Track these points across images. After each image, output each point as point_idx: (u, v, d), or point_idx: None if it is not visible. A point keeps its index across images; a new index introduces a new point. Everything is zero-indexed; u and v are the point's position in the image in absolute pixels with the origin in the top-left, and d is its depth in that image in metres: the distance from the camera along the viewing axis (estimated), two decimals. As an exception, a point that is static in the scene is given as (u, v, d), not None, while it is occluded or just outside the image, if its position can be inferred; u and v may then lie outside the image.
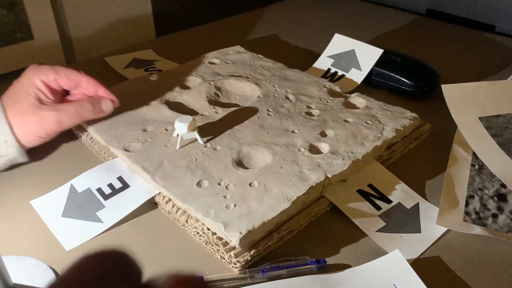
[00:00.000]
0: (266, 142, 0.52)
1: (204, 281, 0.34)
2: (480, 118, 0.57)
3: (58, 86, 0.53)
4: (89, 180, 0.49)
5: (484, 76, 0.73)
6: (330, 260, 0.42)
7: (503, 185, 0.49)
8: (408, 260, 0.41)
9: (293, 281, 0.39)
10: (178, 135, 0.52)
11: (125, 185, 0.48)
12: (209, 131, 0.54)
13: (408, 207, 0.47)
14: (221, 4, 1.06)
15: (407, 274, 0.39)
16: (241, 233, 0.40)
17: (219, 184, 0.45)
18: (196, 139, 0.52)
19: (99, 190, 0.48)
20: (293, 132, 0.54)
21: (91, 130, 0.55)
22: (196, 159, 0.49)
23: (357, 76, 0.69)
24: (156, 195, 0.47)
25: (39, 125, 0.50)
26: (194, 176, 0.47)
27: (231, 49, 0.76)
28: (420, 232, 0.45)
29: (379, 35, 0.89)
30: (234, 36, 0.89)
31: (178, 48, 0.85)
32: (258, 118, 0.56)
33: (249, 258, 0.41)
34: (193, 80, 0.66)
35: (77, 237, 0.44)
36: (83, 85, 0.54)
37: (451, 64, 0.77)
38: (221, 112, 0.58)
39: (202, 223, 0.43)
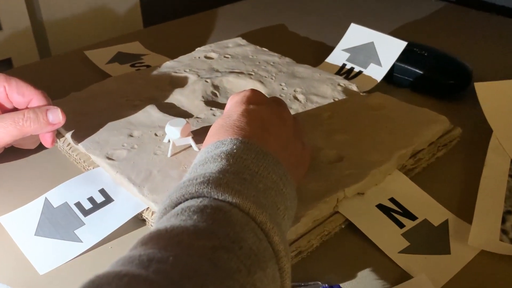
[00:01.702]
0: (271, 149, 0.52)
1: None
2: (519, 122, 0.57)
3: (5, 100, 0.52)
4: (66, 193, 0.49)
5: (524, 72, 0.74)
6: (346, 286, 0.42)
7: (546, 199, 0.50)
8: (435, 286, 0.41)
9: (302, 310, 0.39)
10: (169, 141, 0.52)
11: (108, 199, 0.49)
12: (205, 136, 0.54)
13: (436, 224, 0.47)
14: (219, -11, 1.07)
15: (434, 302, 0.39)
16: (243, 255, 0.40)
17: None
18: (191, 146, 0.53)
19: (78, 204, 0.48)
20: (302, 137, 0.54)
21: (68, 135, 0.55)
22: (190, 169, 0.50)
23: (377, 72, 0.70)
24: (144, 210, 0.48)
25: None
26: (188, 189, 0.47)
27: (231, 41, 0.77)
28: (449, 253, 0.45)
29: (402, 25, 0.90)
30: (234, 27, 0.90)
31: (169, 41, 0.86)
32: (262, 121, 0.57)
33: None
34: (186, 77, 0.67)
35: (52, 259, 0.45)
36: (33, 104, 0.52)
37: (486, 59, 0.77)
38: (219, 114, 0.58)
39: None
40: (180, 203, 0.35)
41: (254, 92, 0.46)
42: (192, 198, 0.34)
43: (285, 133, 0.44)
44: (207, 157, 0.38)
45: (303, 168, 0.47)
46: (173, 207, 0.35)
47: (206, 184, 0.34)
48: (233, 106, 0.45)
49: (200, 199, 0.34)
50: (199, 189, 0.34)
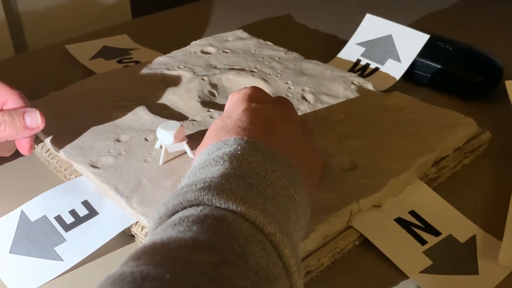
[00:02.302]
0: (276, 156, 0.52)
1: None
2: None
3: None
4: (45, 205, 0.50)
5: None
6: (360, 311, 0.42)
7: None
8: (462, 311, 0.41)
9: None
10: (161, 146, 0.53)
11: (92, 212, 0.49)
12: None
13: (462, 240, 0.47)
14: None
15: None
16: (244, 275, 0.40)
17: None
18: (185, 152, 0.53)
19: (58, 218, 0.49)
20: (311, 142, 0.54)
21: (48, 140, 0.56)
22: (184, 178, 0.50)
23: (396, 69, 0.70)
24: (132, 225, 0.48)
25: None
26: (183, 200, 0.47)
27: (231, 34, 0.77)
28: (477, 273, 0.45)
29: (424, 15, 0.90)
30: (234, 17, 0.90)
31: (161, 33, 0.86)
32: (266, 124, 0.57)
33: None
34: (181, 74, 0.67)
35: (29, 280, 0.45)
36: (8, 106, 0.52)
37: (518, 54, 0.77)
38: (217, 116, 0.58)
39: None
40: (178, 211, 0.34)
41: (256, 89, 0.46)
42: (191, 206, 0.34)
43: (293, 133, 0.44)
44: (207, 160, 0.38)
45: (315, 174, 0.47)
46: (170, 216, 0.35)
47: (207, 191, 0.34)
48: (233, 105, 0.45)
49: (200, 207, 0.33)
50: (199, 196, 0.34)
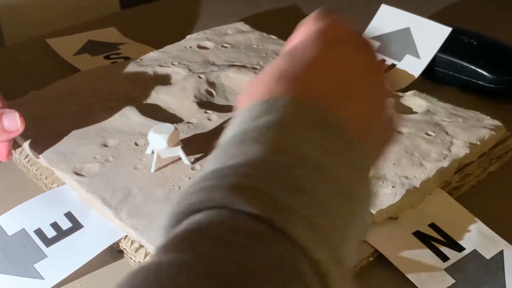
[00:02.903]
0: (280, 163, 0.53)
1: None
2: None
3: None
4: (24, 217, 0.50)
5: None
6: (375, 335, 0.43)
7: None
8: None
9: None
10: (153, 152, 0.53)
11: (76, 225, 0.49)
12: (199, 146, 0.55)
13: (488, 256, 0.48)
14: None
15: None
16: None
17: (212, 223, 0.46)
18: (180, 158, 0.53)
19: (39, 232, 0.49)
20: (320, 147, 0.55)
21: (27, 145, 0.56)
22: (179, 187, 0.50)
23: (414, 66, 0.70)
24: (121, 239, 0.48)
25: None
26: (177, 212, 0.47)
27: (231, 27, 0.77)
28: (506, 293, 0.45)
29: (446, 6, 0.90)
30: (234, 8, 0.90)
31: (153, 26, 0.86)
32: (269, 127, 0.57)
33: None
34: (175, 72, 0.67)
35: (7, 300, 0.45)
36: None
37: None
38: (215, 119, 0.59)
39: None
40: (193, 212, 0.28)
41: (337, 20, 0.36)
42: (205, 208, 0.27)
43: (374, 100, 0.36)
44: (247, 130, 0.31)
45: (385, 150, 0.38)
46: (177, 223, 0.29)
47: (231, 190, 0.27)
48: (308, 38, 0.36)
49: (224, 211, 0.27)
50: (222, 197, 0.27)
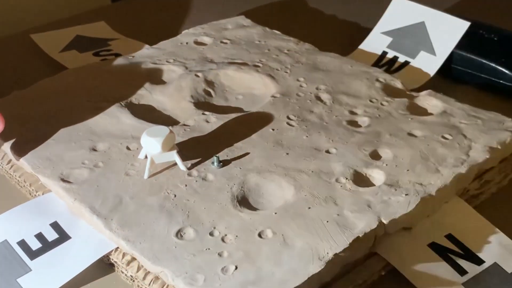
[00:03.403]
0: (285, 168, 0.53)
1: None
2: None
3: None
4: (6, 228, 0.50)
5: None
6: None
7: None
8: None
9: None
10: (146, 157, 0.53)
11: (63, 236, 0.49)
12: (196, 150, 0.55)
13: (510, 270, 0.47)
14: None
15: None
16: (246, 312, 0.41)
17: (211, 234, 0.46)
18: (175, 164, 0.53)
19: (22, 243, 0.49)
20: (328, 152, 0.55)
21: (8, 149, 0.56)
22: (175, 195, 0.50)
23: (429, 63, 0.70)
24: (112, 251, 0.48)
25: None
26: (172, 222, 0.47)
27: (230, 21, 0.78)
28: (529, 311, 0.45)
29: (464, -2, 0.90)
30: (233, 1, 0.90)
31: (146, 20, 0.86)
32: (273, 130, 0.58)
33: None
34: (170, 70, 0.67)
35: (-13, 318, 0.45)
36: None
37: None
38: (214, 121, 0.59)
39: (185, 296, 0.43)
40: None
41: None
42: None
43: None
44: None
45: None
46: None
47: None
48: None
49: None
50: None
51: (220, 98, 0.64)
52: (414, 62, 0.71)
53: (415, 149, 0.54)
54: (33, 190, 0.54)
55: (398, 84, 0.64)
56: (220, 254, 0.44)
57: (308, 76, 0.65)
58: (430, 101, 0.62)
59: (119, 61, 0.69)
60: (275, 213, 0.48)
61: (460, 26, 0.69)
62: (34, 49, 0.77)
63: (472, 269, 0.47)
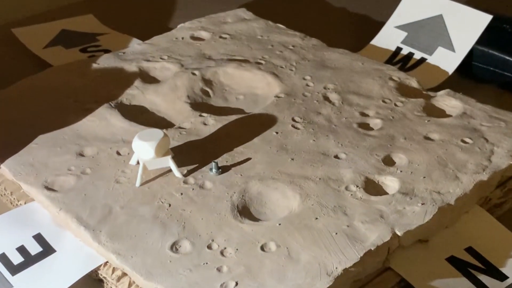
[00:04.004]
0: (290, 175, 0.53)
1: None
2: None
3: None
4: (-15, 239, 0.50)
5: None
6: None
7: None
8: None
9: None
10: (138, 162, 0.53)
11: (47, 249, 0.49)
12: (193, 156, 0.55)
13: (537, 287, 0.48)
14: None
15: None
16: (248, 332, 0.41)
17: (209, 247, 0.46)
18: (170, 170, 0.53)
19: (3, 257, 0.48)
20: (337, 157, 0.55)
21: (-11, 153, 0.56)
22: (169, 204, 0.50)
23: (448, 60, 0.70)
24: (100, 266, 0.48)
25: None
26: (167, 234, 0.47)
27: (230, 14, 0.78)
28: (558, 331, 0.45)
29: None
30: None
31: (138, 13, 0.86)
32: (277, 133, 0.58)
33: None
34: (164, 67, 0.67)
35: (-35, 338, 0.45)
36: None
37: None
38: (212, 123, 0.59)
39: (180, 315, 0.43)
40: None
41: None
42: None
43: None
44: None
45: None
46: None
47: None
48: None
49: None
50: None
51: (219, 99, 0.64)
52: (431, 59, 0.71)
53: (432, 154, 0.55)
54: (14, 199, 0.54)
55: (413, 83, 0.64)
56: (219, 269, 0.44)
57: (315, 74, 0.66)
58: (448, 101, 0.62)
59: (108, 57, 0.69)
60: (279, 224, 0.48)
61: (482, 20, 0.69)
62: (15, 45, 0.77)
63: (495, 286, 0.47)
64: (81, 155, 0.55)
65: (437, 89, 0.66)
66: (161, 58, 0.68)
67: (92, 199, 0.51)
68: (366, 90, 0.63)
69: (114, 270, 0.47)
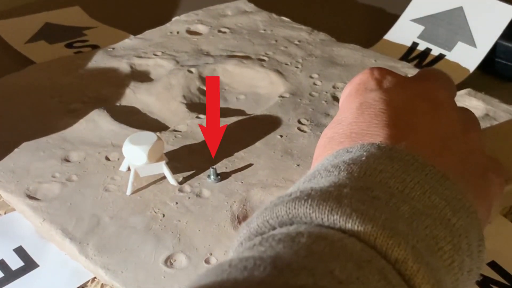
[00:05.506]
0: (295, 183, 0.53)
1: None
2: None
3: None
4: (-38, 253, 0.50)
5: None
6: None
7: None
8: None
9: None
10: (129, 169, 0.53)
11: (29, 264, 0.49)
12: (189, 161, 0.55)
13: None
14: None
15: None
16: None
17: (207, 261, 0.46)
18: (164, 177, 0.53)
19: (-19, 272, 0.49)
20: (346, 163, 0.55)
21: (-34, 159, 0.56)
22: (163, 215, 0.50)
23: (469, 57, 0.70)
24: (88, 282, 0.48)
25: None
26: (160, 247, 0.47)
27: (230, 6, 0.78)
28: None
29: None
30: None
31: (129, 5, 0.86)
32: (281, 136, 0.58)
33: None
34: (157, 64, 0.68)
35: None
36: None
37: None
38: (210, 126, 0.59)
39: (175, 336, 0.43)
40: (264, 233, 0.33)
41: (375, 71, 0.45)
42: (282, 225, 0.33)
43: (446, 125, 0.43)
44: (318, 170, 0.37)
45: (487, 204, 0.43)
46: (251, 240, 0.33)
47: (303, 201, 0.33)
48: (344, 103, 0.45)
49: (294, 226, 0.32)
50: (291, 208, 0.33)
51: (219, 98, 0.64)
52: (450, 55, 0.71)
53: (451, 160, 0.55)
54: (-7, 208, 0.54)
55: (431, 81, 0.64)
56: (217, 286, 0.45)
57: (323, 72, 0.66)
58: (469, 101, 0.62)
59: (96, 54, 0.69)
60: (284, 236, 0.48)
61: (505, 12, 0.69)
62: (-6, 40, 0.78)
63: (520, 304, 0.47)
64: (67, 160, 0.55)
65: (457, 88, 0.66)
66: (154, 55, 0.69)
67: (78, 209, 0.51)
68: (379, 89, 0.63)
69: (102, 286, 0.47)
